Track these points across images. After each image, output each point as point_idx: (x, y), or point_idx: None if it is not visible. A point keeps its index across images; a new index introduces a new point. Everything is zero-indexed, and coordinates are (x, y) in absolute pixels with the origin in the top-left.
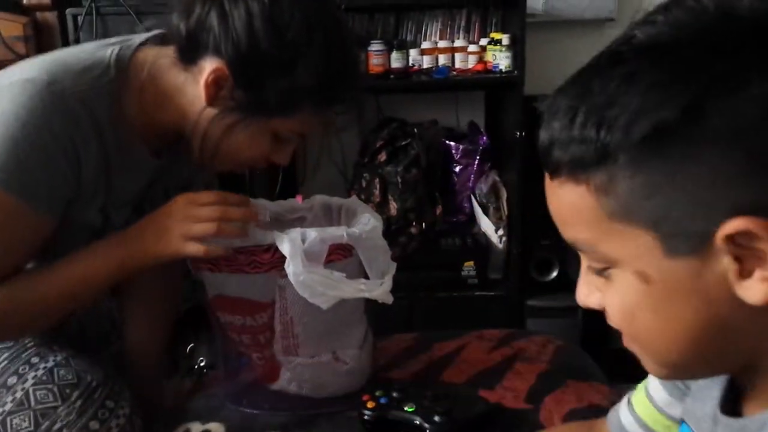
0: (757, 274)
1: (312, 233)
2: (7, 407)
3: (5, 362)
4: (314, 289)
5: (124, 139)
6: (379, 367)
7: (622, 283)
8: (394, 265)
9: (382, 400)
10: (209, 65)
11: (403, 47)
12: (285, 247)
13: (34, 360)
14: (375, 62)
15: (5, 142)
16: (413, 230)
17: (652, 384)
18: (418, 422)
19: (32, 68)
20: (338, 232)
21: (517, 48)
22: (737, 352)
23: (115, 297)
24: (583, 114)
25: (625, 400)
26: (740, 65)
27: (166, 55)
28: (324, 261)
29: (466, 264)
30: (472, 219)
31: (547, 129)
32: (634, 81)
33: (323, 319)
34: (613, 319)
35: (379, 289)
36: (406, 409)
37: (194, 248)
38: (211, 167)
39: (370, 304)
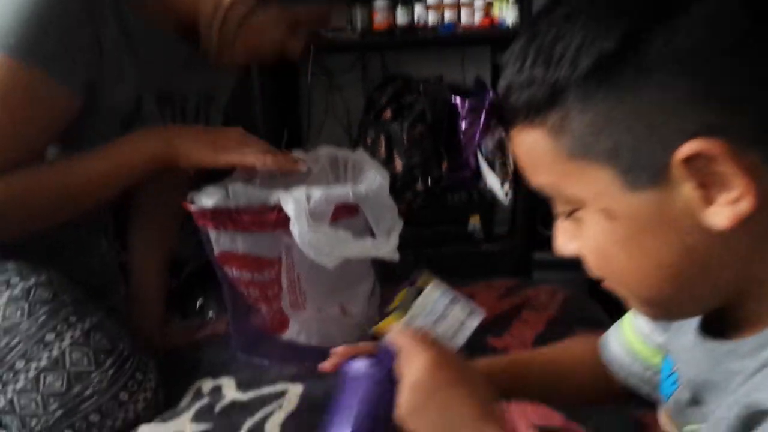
0: (721, 198)
1: (317, 193)
2: (42, 363)
3: (44, 317)
4: (320, 249)
5: (144, 18)
6: (386, 316)
7: (590, 224)
8: (400, 223)
9: None
10: None
11: (409, 2)
12: (289, 208)
13: (72, 319)
14: (379, 18)
15: (21, 11)
16: (419, 186)
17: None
18: None
19: None
20: (343, 191)
21: (523, 2)
22: (721, 283)
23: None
24: (532, 55)
25: (616, 325)
26: None
27: None
28: (329, 220)
29: (472, 219)
30: (478, 175)
31: (504, 77)
32: (575, 18)
33: (330, 275)
34: (590, 264)
35: (386, 247)
36: None
37: (251, 159)
38: (227, 58)
39: (377, 259)
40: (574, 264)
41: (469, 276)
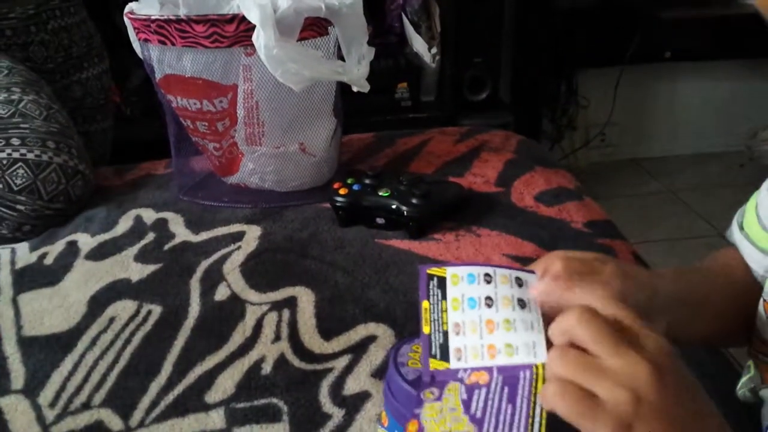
0: None
1: (285, 2)
2: None
3: (19, 80)
4: (286, 66)
5: None
6: (343, 162)
7: None
8: (372, 51)
9: (355, 187)
10: None
11: None
12: (253, 15)
13: (42, 94)
14: None
15: None
16: None
17: (763, 204)
18: (395, 206)
19: None
20: (315, 3)
21: None
22: None
23: None
24: None
25: (734, 225)
26: None
27: None
28: (297, 37)
29: (400, 86)
30: (404, 39)
31: None
32: None
33: (292, 106)
34: None
35: (357, 73)
36: (380, 194)
37: None
38: None
39: (340, 100)
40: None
41: None
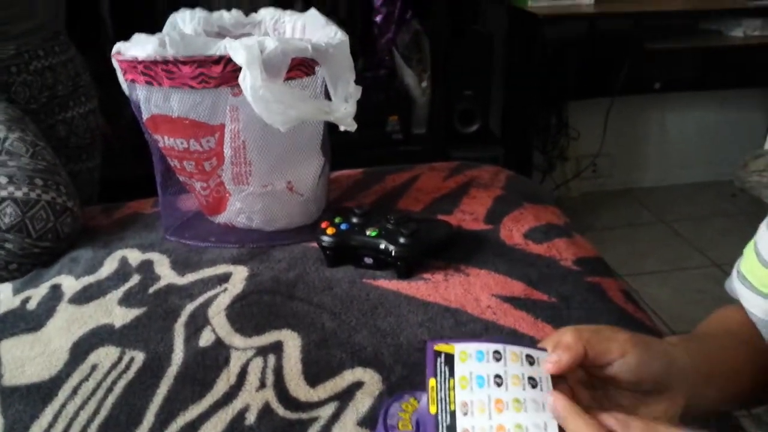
0: None
1: (271, 43)
2: None
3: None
4: (272, 106)
5: None
6: (331, 200)
7: None
8: (359, 89)
9: (343, 226)
10: None
11: None
12: (240, 56)
13: (28, 131)
14: None
15: None
16: None
17: (763, 240)
18: (383, 246)
19: None
20: (302, 44)
21: None
22: None
23: None
24: None
25: (734, 274)
26: None
27: None
28: (283, 78)
29: (391, 119)
30: (395, 72)
31: None
32: None
33: (279, 145)
34: None
35: (343, 112)
36: (368, 233)
37: None
38: None
39: (327, 139)
40: (490, 162)
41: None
